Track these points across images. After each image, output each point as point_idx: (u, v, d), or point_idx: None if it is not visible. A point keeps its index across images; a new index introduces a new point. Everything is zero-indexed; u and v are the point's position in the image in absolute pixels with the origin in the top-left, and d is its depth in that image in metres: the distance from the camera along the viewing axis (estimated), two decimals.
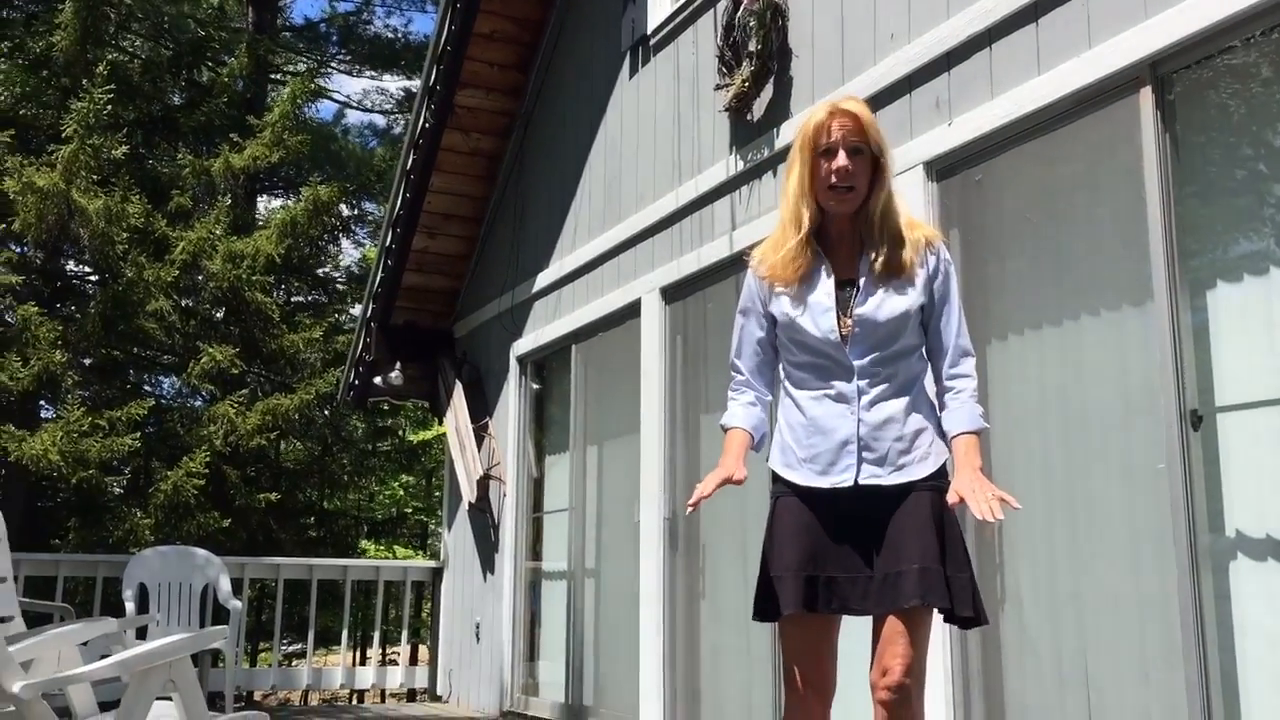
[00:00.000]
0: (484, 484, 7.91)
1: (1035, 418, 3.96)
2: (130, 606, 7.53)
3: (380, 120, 18.15)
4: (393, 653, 9.08)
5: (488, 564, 8.04)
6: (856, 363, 2.63)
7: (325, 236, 14.06)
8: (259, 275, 12.27)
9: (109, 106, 11.47)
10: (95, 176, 11.58)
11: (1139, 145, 3.56)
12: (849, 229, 2.72)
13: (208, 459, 11.31)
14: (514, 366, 7.84)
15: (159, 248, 12.34)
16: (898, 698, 2.48)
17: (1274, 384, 3.22)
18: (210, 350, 11.99)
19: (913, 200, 4.32)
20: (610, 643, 6.53)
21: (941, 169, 4.29)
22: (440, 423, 8.96)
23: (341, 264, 15.92)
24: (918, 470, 2.60)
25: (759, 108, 5.32)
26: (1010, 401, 4.05)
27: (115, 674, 2.77)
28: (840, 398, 2.64)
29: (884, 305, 2.63)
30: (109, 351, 12.18)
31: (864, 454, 2.61)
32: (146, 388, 13.39)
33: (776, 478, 2.73)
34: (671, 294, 6.04)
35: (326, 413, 12.73)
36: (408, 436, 16.79)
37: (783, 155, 5.14)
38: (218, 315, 12.86)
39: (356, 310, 14.83)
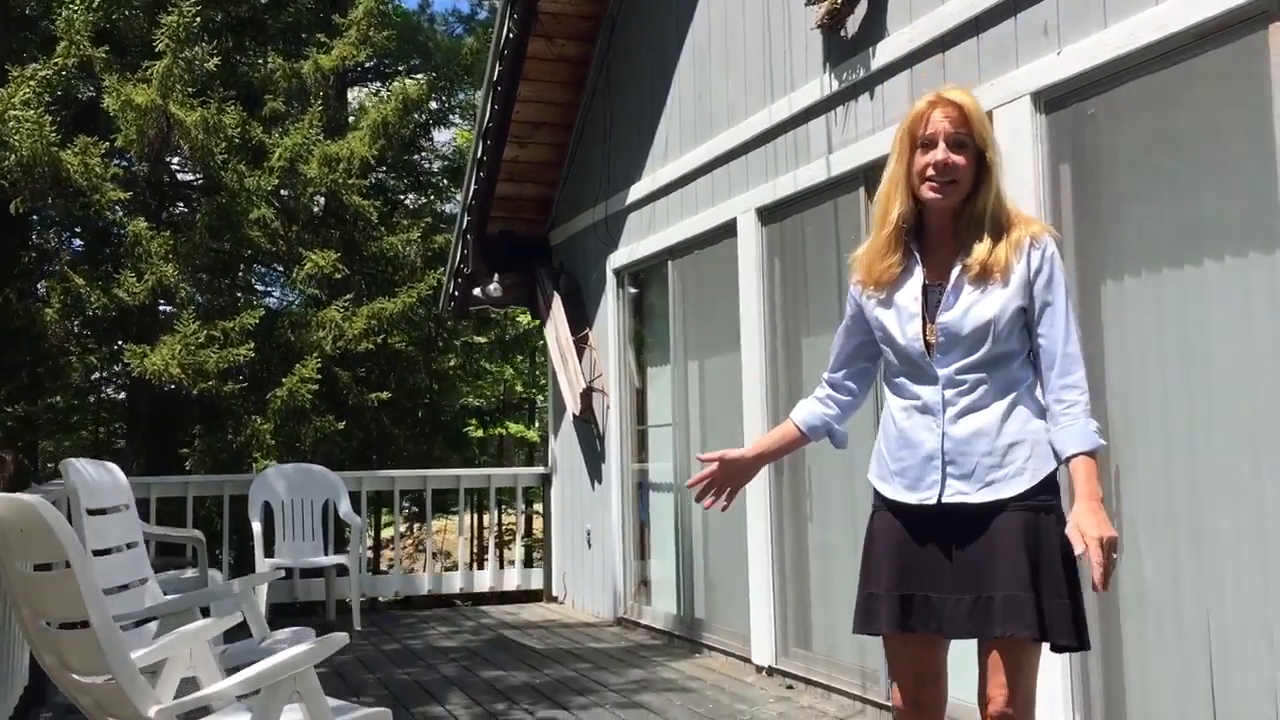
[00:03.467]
0: (587, 396, 7.97)
1: (1154, 365, 3.79)
2: (256, 526, 7.86)
3: (464, 6, 17.81)
4: (508, 558, 9.32)
5: (595, 473, 8.15)
6: (942, 372, 2.50)
7: (417, 131, 14.01)
8: (355, 179, 12.32)
9: (197, 18, 11.44)
10: (190, 89, 11.64)
11: (1268, 84, 3.28)
12: (951, 228, 2.56)
13: (319, 364, 11.59)
14: (611, 279, 7.78)
15: (256, 155, 12.44)
16: None
17: None
18: (313, 256, 12.17)
19: (1019, 134, 4.10)
20: (720, 559, 6.60)
21: (1050, 100, 4.03)
22: (541, 330, 8.99)
23: (438, 154, 15.87)
24: (1009, 488, 2.45)
25: (853, 24, 5.06)
26: (1126, 345, 3.88)
27: (245, 691, 2.87)
28: (926, 409, 2.52)
29: (970, 311, 2.47)
30: (217, 261, 12.44)
31: (949, 469, 2.48)
32: (255, 295, 13.66)
33: (874, 490, 2.65)
34: (768, 215, 5.89)
35: (430, 313, 12.86)
36: (515, 318, 16.95)
37: (880, 75, 4.93)
38: (318, 219, 12.99)
39: (454, 204, 14.88)
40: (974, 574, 2.44)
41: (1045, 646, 2.46)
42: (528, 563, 9.22)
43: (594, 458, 8.15)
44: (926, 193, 2.51)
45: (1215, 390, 3.58)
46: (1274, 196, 3.29)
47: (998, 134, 4.12)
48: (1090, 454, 2.44)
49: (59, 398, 13.93)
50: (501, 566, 9.12)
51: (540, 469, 9.50)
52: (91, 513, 4.31)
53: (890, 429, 2.61)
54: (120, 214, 12.05)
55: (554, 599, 8.92)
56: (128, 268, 11.43)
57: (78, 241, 12.92)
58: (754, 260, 5.95)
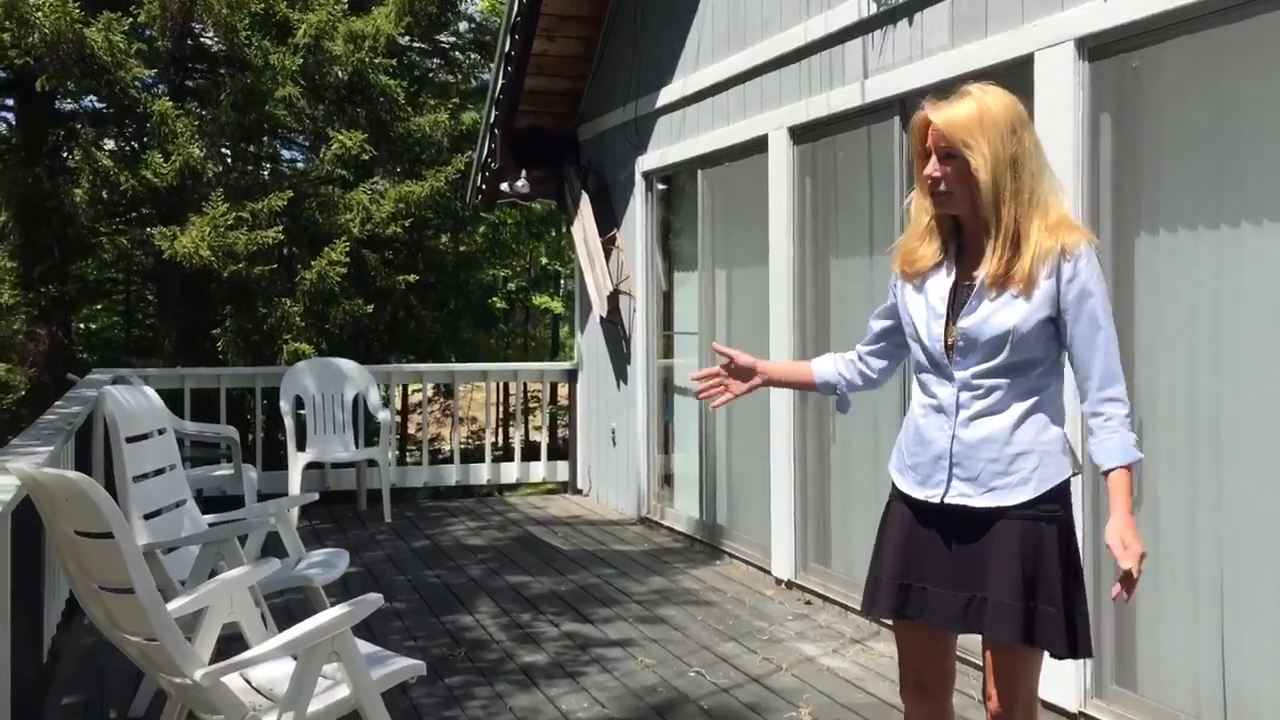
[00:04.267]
0: (614, 299, 7.98)
1: (1184, 323, 3.77)
2: (288, 422, 8.01)
3: None
4: (534, 449, 9.47)
5: (620, 374, 8.23)
6: (959, 374, 2.51)
7: (444, 6, 13.71)
8: (381, 58, 12.14)
9: None
10: None
11: None
12: (975, 232, 2.53)
13: (348, 247, 11.63)
14: (640, 182, 7.71)
15: (281, 31, 12.25)
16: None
17: None
18: (339, 136, 12.09)
19: (1061, 81, 4.00)
20: (742, 469, 6.70)
21: (1095, 48, 3.92)
22: (568, 227, 8.96)
23: (465, 17, 15.51)
24: (1011, 496, 2.47)
25: None
26: (1158, 301, 3.86)
27: (284, 655, 2.99)
28: (941, 409, 2.55)
29: (991, 319, 2.46)
30: (244, 141, 12.37)
31: (955, 470, 2.51)
32: (284, 178, 13.59)
33: (892, 480, 2.71)
34: (800, 135, 5.79)
35: (457, 194, 12.80)
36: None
37: (920, 2, 4.78)
38: (344, 97, 12.84)
39: (481, 79, 14.64)
40: (969, 574, 2.50)
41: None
42: (552, 456, 9.38)
43: (620, 358, 8.22)
44: (930, 200, 2.53)
45: (1244, 354, 3.57)
46: None
47: (1039, 80, 4.05)
48: (1129, 468, 2.44)
49: (92, 272, 14.07)
50: (526, 460, 9.28)
51: (566, 364, 9.59)
52: (130, 440, 4.42)
53: (910, 424, 2.65)
54: (145, 92, 11.94)
55: (579, 491, 9.11)
56: (154, 148, 11.40)
57: (106, 124, 12.82)
58: (785, 179, 5.88)
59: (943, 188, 2.48)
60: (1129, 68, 3.85)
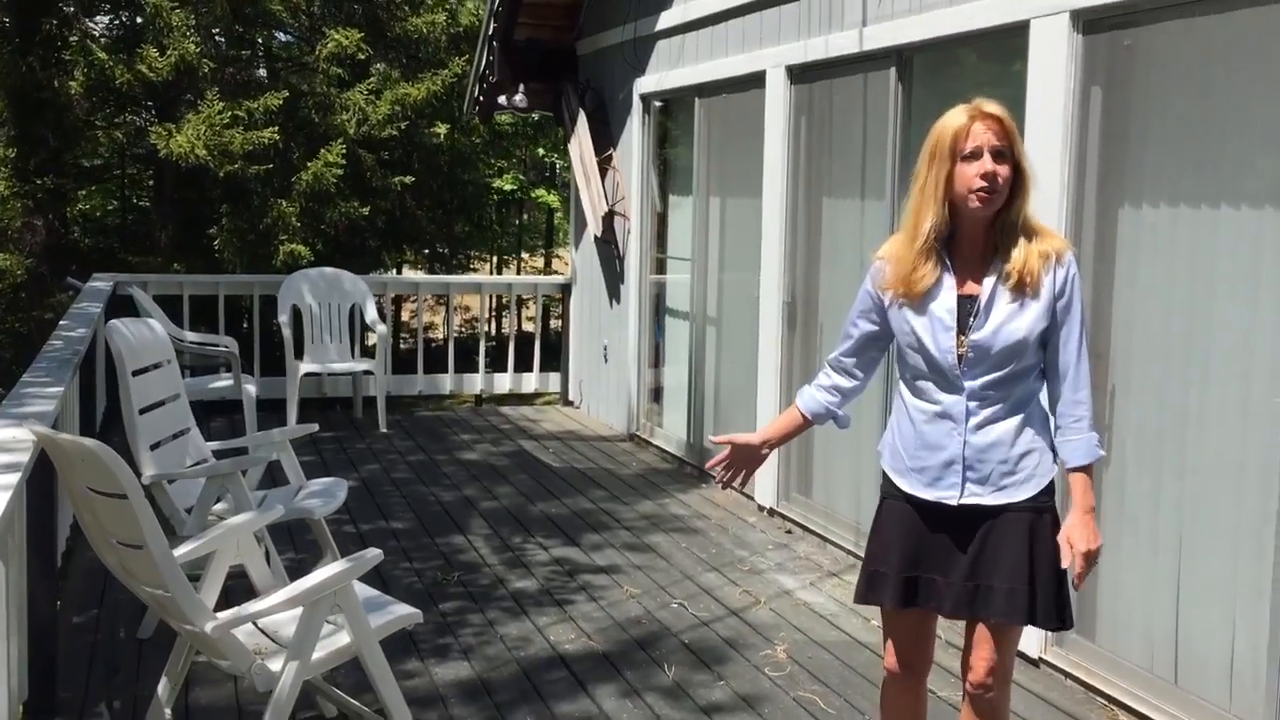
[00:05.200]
0: (609, 219, 8.05)
1: (1159, 297, 3.89)
2: (286, 333, 8.13)
3: None
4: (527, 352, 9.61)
5: (614, 293, 8.34)
6: (968, 384, 2.64)
7: None
8: None
9: None
10: None
11: None
12: (983, 237, 2.62)
13: (344, 150, 11.60)
14: (638, 104, 7.72)
15: None
16: (980, 693, 2.73)
17: None
18: (336, 34, 11.96)
19: (1055, 51, 4.05)
20: (730, 393, 6.87)
21: (1089, 21, 3.96)
22: (565, 142, 8.97)
23: None
24: (1018, 493, 2.66)
25: None
26: (1136, 273, 3.97)
27: (289, 608, 3.17)
28: (949, 415, 2.67)
29: (1002, 330, 2.59)
30: (239, 36, 12.23)
31: (968, 474, 2.67)
32: (279, 79, 13.47)
33: (886, 477, 2.84)
34: (797, 75, 5.82)
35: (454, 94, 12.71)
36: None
37: None
38: None
39: None
40: (978, 563, 2.68)
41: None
42: (544, 367, 9.54)
43: (613, 277, 8.32)
44: (973, 202, 2.54)
45: (1214, 332, 3.70)
46: None
47: (1033, 47, 4.11)
48: (1089, 467, 2.64)
49: (87, 161, 14.01)
50: (518, 371, 9.43)
51: (560, 278, 9.69)
52: (136, 373, 4.56)
53: (908, 429, 2.76)
54: None
55: (570, 403, 9.30)
56: (150, 42, 11.29)
57: (101, 16, 12.64)
58: (781, 116, 5.92)
59: (999, 186, 2.53)
60: (1121, 45, 3.90)
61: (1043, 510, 2.69)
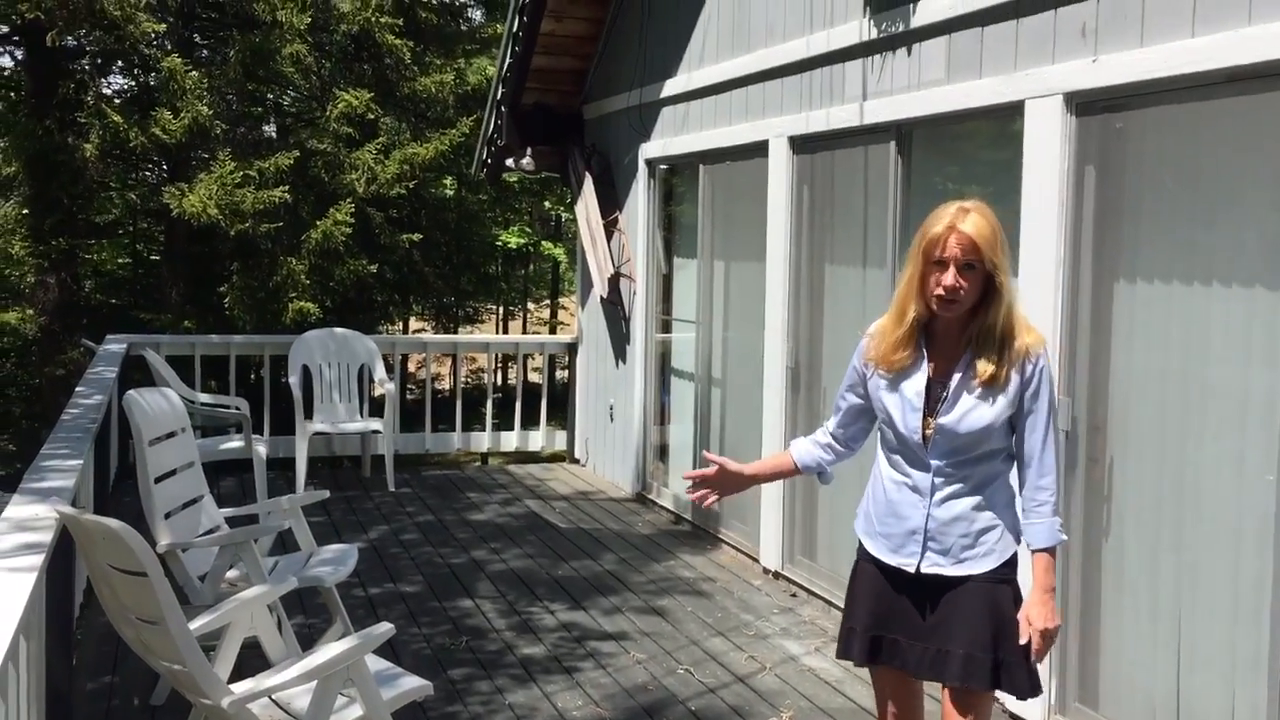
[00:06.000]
0: (615, 281, 8.17)
1: (1155, 370, 3.97)
2: (296, 393, 8.22)
3: None
4: (533, 424, 9.70)
5: (620, 353, 8.44)
6: (934, 462, 2.79)
7: None
8: (388, 17, 12.18)
9: None
10: None
11: None
12: (957, 334, 2.78)
13: (353, 208, 11.77)
14: (643, 169, 7.86)
15: None
16: None
17: None
18: (345, 95, 12.17)
19: (1050, 131, 4.17)
20: (734, 455, 6.89)
21: (1082, 104, 4.08)
22: (572, 203, 9.11)
23: None
24: (979, 565, 2.80)
25: None
26: (1132, 347, 4.06)
27: (304, 683, 3.24)
28: (915, 489, 2.83)
29: (966, 418, 2.74)
30: (252, 98, 12.45)
31: (929, 544, 2.82)
32: (290, 138, 13.69)
33: (860, 540, 3.00)
34: (800, 145, 5.95)
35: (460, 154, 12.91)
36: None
37: (918, 34, 4.94)
38: (350, 54, 12.90)
39: (489, 28, 14.65)
40: (938, 630, 2.83)
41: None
42: (551, 420, 9.63)
43: (619, 337, 8.42)
44: (936, 305, 2.72)
45: (1208, 405, 3.79)
46: None
47: (1028, 127, 4.23)
48: (1051, 551, 2.79)
49: (99, 218, 14.21)
50: (525, 429, 9.52)
51: (567, 338, 9.79)
52: (152, 443, 4.65)
53: (880, 496, 2.93)
54: (154, 48, 12.00)
55: (576, 461, 9.37)
56: (164, 104, 11.50)
57: (116, 79, 12.89)
58: (784, 184, 6.05)
59: (960, 296, 2.68)
60: (1113, 127, 4.01)
61: (1003, 581, 2.82)
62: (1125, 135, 3.99)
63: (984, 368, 2.72)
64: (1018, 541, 2.84)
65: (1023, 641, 2.76)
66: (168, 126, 11.35)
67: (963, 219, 2.67)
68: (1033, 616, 2.75)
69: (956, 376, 2.76)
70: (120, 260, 16.74)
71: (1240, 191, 3.64)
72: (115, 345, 8.00)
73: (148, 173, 13.84)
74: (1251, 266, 3.59)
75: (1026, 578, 2.81)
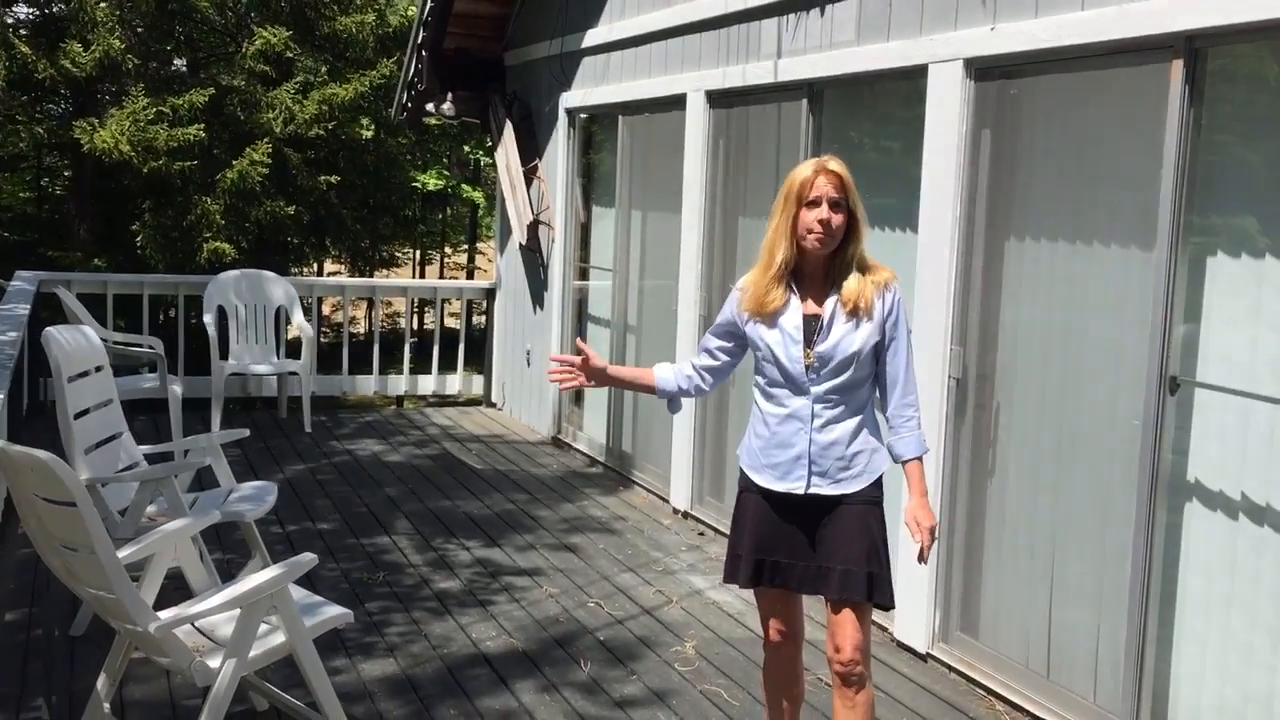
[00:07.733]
0: (534, 228, 8.28)
1: (1040, 321, 4.24)
2: (212, 332, 8.23)
3: None
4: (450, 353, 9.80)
5: (538, 299, 8.57)
6: (814, 389, 3.08)
7: None
8: None
9: None
10: None
11: (1164, 110, 3.61)
12: (821, 268, 3.08)
13: (269, 148, 11.66)
14: (563, 118, 7.96)
15: None
16: (848, 670, 3.12)
17: (1248, 365, 3.50)
18: (263, 32, 12.01)
19: (950, 94, 4.39)
20: (648, 401, 7.14)
21: (980, 70, 4.31)
22: (492, 149, 9.17)
23: None
24: (852, 485, 3.12)
25: None
26: (1019, 299, 4.33)
27: (229, 610, 3.37)
28: (797, 417, 3.11)
29: (841, 343, 3.04)
30: (165, 33, 12.21)
31: (813, 468, 3.11)
32: (204, 74, 13.46)
33: (743, 474, 3.26)
34: (716, 100, 6.11)
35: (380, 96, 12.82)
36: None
37: None
38: None
39: None
40: (820, 547, 3.14)
41: None
42: (468, 365, 9.74)
43: (538, 284, 8.55)
44: (812, 243, 3.01)
45: (1086, 356, 4.07)
46: (1156, 208, 3.67)
47: (930, 90, 4.45)
48: (920, 459, 3.13)
49: (3, 151, 13.85)
50: (442, 373, 9.62)
51: (485, 283, 9.89)
52: (71, 379, 4.69)
53: (763, 431, 3.19)
54: None
55: (493, 405, 9.51)
56: (73, 36, 11.25)
57: (21, 8, 12.52)
58: (700, 138, 6.21)
59: (834, 230, 2.99)
60: (1007, 94, 4.25)
61: (873, 502, 3.14)
62: (1019, 101, 4.22)
63: (850, 297, 3.02)
64: (890, 463, 3.15)
65: (915, 540, 3.08)
66: (77, 59, 11.13)
67: (829, 162, 3.00)
68: (920, 518, 3.09)
69: (828, 308, 3.05)
70: (23, 195, 16.34)
71: (1118, 158, 3.90)
72: (25, 284, 7.92)
73: (53, 106, 13.49)
74: (1127, 228, 3.86)
75: (891, 497, 3.14)
